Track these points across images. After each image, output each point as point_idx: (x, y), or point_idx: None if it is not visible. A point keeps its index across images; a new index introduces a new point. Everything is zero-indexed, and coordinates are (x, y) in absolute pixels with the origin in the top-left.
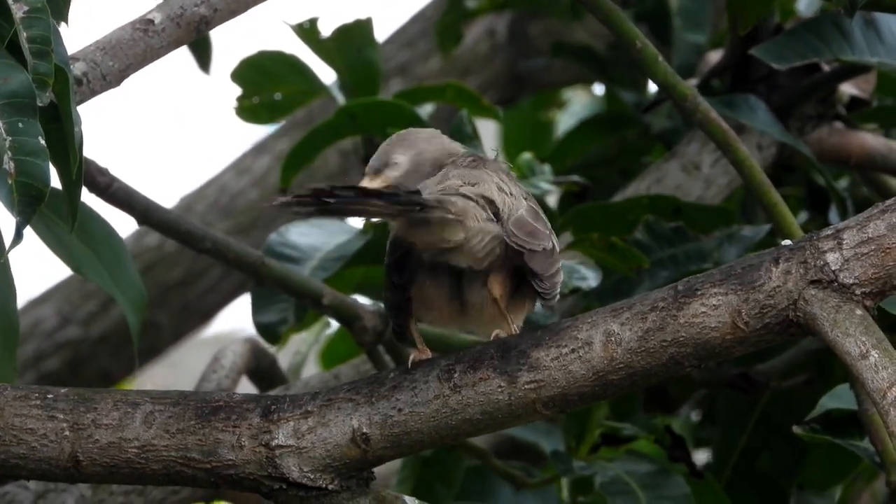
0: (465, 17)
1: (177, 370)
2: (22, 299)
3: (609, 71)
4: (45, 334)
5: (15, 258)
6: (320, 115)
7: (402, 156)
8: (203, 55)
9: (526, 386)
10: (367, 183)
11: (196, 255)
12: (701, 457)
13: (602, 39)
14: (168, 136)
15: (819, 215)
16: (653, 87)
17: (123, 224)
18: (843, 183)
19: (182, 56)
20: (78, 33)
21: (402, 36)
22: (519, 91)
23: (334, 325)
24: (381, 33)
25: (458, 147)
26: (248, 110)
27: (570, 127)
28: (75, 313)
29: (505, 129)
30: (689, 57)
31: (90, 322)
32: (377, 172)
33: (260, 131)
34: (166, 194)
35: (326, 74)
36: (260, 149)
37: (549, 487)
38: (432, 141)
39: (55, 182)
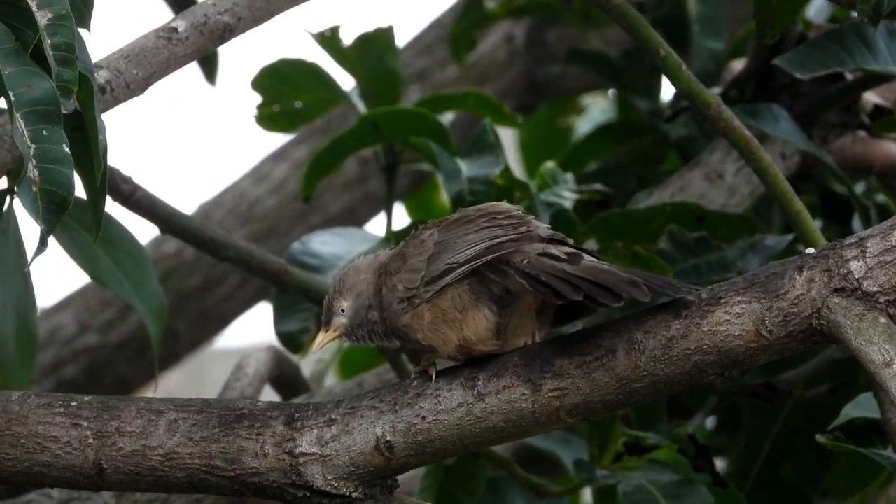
0: (479, 24)
1: (197, 381)
2: (40, 306)
3: (623, 78)
4: (64, 341)
5: (33, 265)
6: (338, 122)
7: (346, 301)
8: (209, 67)
9: (549, 394)
10: (322, 337)
11: (214, 262)
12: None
13: (616, 47)
14: (186, 143)
15: (834, 224)
16: (666, 95)
17: (143, 231)
18: (857, 189)
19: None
20: (100, 41)
21: (420, 43)
22: (536, 98)
23: None
24: (399, 40)
25: (381, 254)
26: (269, 118)
27: (585, 133)
28: (94, 320)
29: (522, 137)
30: (708, 64)
31: (108, 329)
32: (328, 324)
33: (278, 138)
34: (184, 202)
35: (346, 82)
36: (278, 156)
37: (564, 498)
38: (363, 271)
39: (79, 190)
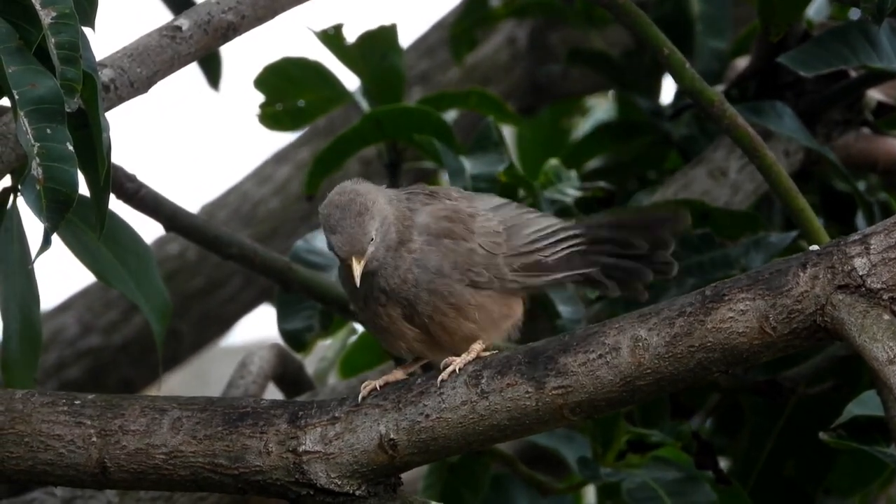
0: (480, 24)
1: (201, 379)
2: (43, 307)
3: (624, 78)
4: (67, 342)
5: (36, 266)
6: (341, 123)
7: (374, 228)
8: (213, 71)
9: (553, 391)
10: (358, 268)
11: (217, 263)
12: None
13: (618, 48)
14: (189, 144)
15: (836, 222)
16: (666, 95)
17: (146, 232)
18: (859, 187)
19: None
20: (104, 39)
21: (423, 44)
22: (539, 100)
23: (360, 331)
24: (402, 42)
25: (401, 206)
26: (271, 117)
27: (585, 132)
28: (97, 322)
29: (523, 137)
30: (711, 63)
31: (112, 331)
32: (362, 254)
33: (281, 140)
34: (188, 202)
35: (349, 81)
36: (281, 157)
37: (567, 495)
38: (384, 201)
39: (83, 188)
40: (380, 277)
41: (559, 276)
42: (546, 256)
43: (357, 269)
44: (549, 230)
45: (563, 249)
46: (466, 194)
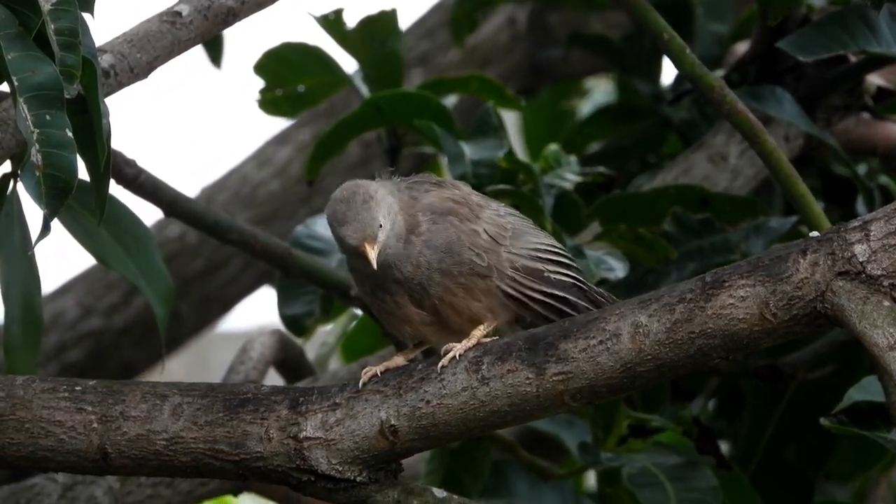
0: (480, 6)
1: (201, 365)
2: (44, 290)
3: (624, 61)
4: (68, 325)
5: (37, 250)
6: (342, 105)
7: (384, 218)
8: (215, 50)
9: (554, 378)
10: (372, 252)
11: (217, 246)
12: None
13: (618, 30)
14: (189, 126)
15: (835, 206)
16: (666, 79)
17: (146, 215)
18: (859, 171)
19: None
20: (104, 25)
21: (423, 26)
22: (539, 81)
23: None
24: (402, 23)
25: (403, 195)
26: (271, 103)
27: (584, 115)
28: (97, 304)
29: (525, 120)
30: (712, 47)
31: (112, 313)
32: (375, 239)
33: (281, 122)
34: (187, 185)
35: (349, 66)
36: (281, 139)
37: (567, 481)
38: (389, 194)
39: (83, 174)
40: (395, 270)
41: (558, 292)
42: (549, 270)
43: (372, 254)
44: (556, 249)
45: (565, 274)
46: (480, 194)
